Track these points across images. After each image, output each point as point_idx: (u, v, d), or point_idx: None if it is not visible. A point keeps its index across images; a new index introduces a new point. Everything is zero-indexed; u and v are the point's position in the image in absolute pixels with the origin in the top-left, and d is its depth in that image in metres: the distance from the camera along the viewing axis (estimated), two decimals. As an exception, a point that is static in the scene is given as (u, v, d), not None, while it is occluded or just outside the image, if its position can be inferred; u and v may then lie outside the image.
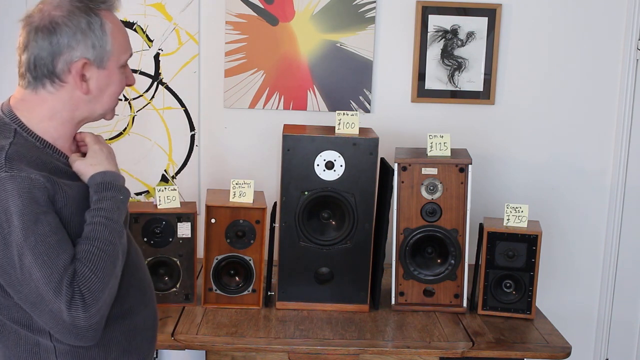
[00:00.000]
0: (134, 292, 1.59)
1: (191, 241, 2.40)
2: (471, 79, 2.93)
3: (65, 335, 1.38)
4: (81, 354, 1.49)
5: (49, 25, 1.44)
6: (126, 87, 1.62)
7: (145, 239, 2.37)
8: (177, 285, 2.42)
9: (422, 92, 2.93)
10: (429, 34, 2.89)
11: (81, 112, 1.52)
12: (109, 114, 1.58)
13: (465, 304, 2.47)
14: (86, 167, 1.51)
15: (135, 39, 2.83)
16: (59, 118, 1.50)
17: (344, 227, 2.41)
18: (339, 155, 2.37)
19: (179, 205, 2.42)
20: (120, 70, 1.53)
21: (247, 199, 2.40)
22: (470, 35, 2.89)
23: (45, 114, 1.49)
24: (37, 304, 1.36)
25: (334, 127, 2.45)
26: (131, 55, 1.58)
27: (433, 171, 2.42)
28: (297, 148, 2.37)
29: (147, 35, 2.85)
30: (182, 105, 2.91)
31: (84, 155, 1.56)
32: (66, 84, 1.47)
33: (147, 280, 1.68)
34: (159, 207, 2.40)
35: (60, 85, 1.47)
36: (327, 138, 2.37)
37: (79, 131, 1.59)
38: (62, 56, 1.45)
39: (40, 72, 1.47)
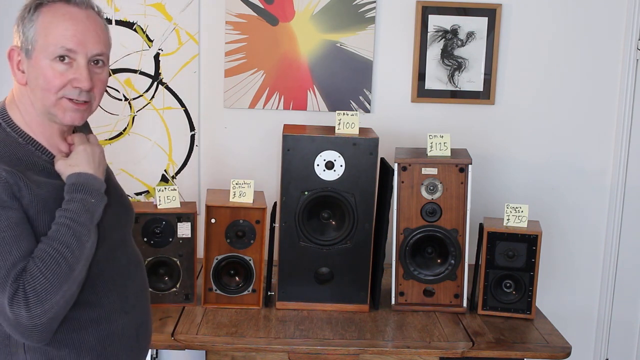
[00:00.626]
0: (113, 298, 1.54)
1: (191, 241, 2.40)
2: (471, 79, 2.93)
3: (12, 331, 1.37)
4: (51, 354, 1.46)
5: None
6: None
7: (145, 239, 2.37)
8: (177, 285, 2.42)
9: (422, 92, 2.93)
10: (429, 34, 2.89)
11: (37, 107, 1.48)
12: (57, 114, 1.48)
13: (465, 304, 2.47)
14: (65, 167, 1.47)
15: (135, 39, 2.83)
16: (28, 112, 1.49)
17: (344, 227, 2.41)
18: (339, 155, 2.37)
19: (179, 205, 2.42)
20: (50, 63, 1.44)
21: (247, 199, 2.40)
22: (470, 35, 2.89)
23: (19, 107, 1.50)
24: None
25: (334, 127, 2.45)
26: (68, 50, 1.45)
27: (433, 171, 2.42)
28: (297, 148, 2.37)
29: (147, 35, 2.85)
30: (182, 105, 2.91)
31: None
32: (13, 74, 1.48)
33: (133, 287, 1.62)
34: (159, 207, 2.40)
35: (14, 77, 1.49)
36: (327, 138, 2.37)
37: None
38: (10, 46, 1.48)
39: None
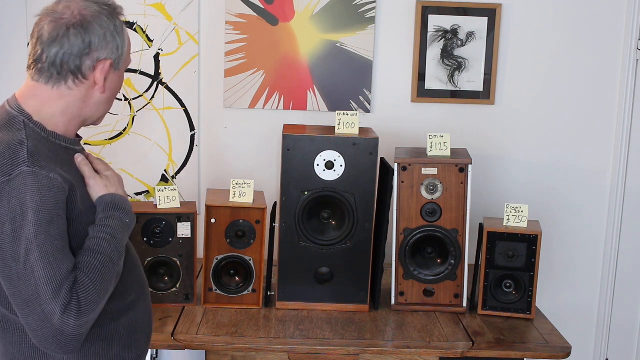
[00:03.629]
0: (136, 287, 1.63)
1: (191, 241, 2.40)
2: (471, 79, 2.93)
3: (47, 340, 1.36)
4: (85, 349, 1.51)
5: (82, 24, 1.47)
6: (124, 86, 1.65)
7: (145, 239, 2.37)
8: (177, 285, 2.42)
9: (422, 92, 2.93)
10: (429, 34, 2.89)
11: (88, 111, 1.55)
12: (102, 118, 1.62)
13: (465, 304, 2.47)
14: (99, 187, 1.53)
15: (135, 39, 2.83)
16: (69, 114, 1.52)
17: (344, 227, 2.41)
18: (339, 155, 2.37)
19: (179, 205, 2.42)
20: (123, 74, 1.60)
21: (247, 199, 2.40)
22: (470, 35, 2.89)
23: (59, 109, 1.51)
24: (30, 302, 1.35)
25: (334, 127, 2.45)
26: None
27: (433, 171, 2.42)
28: (297, 148, 2.37)
29: (147, 35, 2.85)
30: (182, 105, 2.91)
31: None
32: (87, 81, 1.50)
33: (144, 277, 1.72)
34: (159, 207, 2.40)
35: (81, 83, 1.50)
36: (327, 138, 2.37)
37: (88, 154, 1.62)
38: (90, 55, 1.48)
39: (66, 67, 1.47)
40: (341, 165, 2.37)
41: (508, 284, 2.41)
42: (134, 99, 2.89)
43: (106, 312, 1.52)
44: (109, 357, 1.55)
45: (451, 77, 2.92)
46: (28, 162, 1.37)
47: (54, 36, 1.45)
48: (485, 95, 2.94)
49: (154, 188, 2.73)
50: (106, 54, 1.50)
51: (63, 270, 1.36)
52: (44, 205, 1.36)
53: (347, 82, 2.91)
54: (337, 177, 2.38)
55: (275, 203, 2.46)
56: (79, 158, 1.55)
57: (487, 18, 2.88)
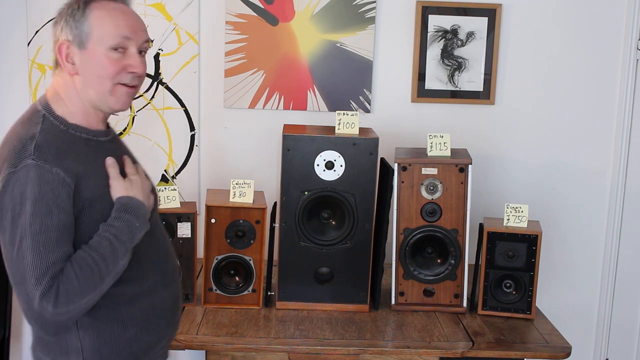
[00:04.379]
0: (154, 274, 1.68)
1: (191, 241, 2.40)
2: (471, 79, 2.93)
3: (30, 321, 1.47)
4: (100, 329, 1.58)
5: (55, 19, 1.60)
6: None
7: (145, 239, 2.37)
8: (177, 285, 2.41)
9: (422, 92, 2.94)
10: (429, 34, 2.89)
11: (83, 96, 1.59)
12: (111, 101, 1.60)
13: (465, 304, 2.47)
14: (120, 189, 1.59)
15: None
16: (74, 103, 1.59)
17: (344, 227, 2.41)
18: (339, 155, 2.37)
19: (179, 205, 2.42)
20: (107, 52, 1.56)
21: (247, 199, 2.40)
22: (470, 35, 2.89)
23: (66, 99, 1.59)
24: (19, 284, 1.45)
25: (334, 127, 2.45)
26: (126, 38, 1.58)
27: (433, 171, 2.42)
28: (297, 148, 2.37)
29: (147, 35, 2.85)
30: (182, 105, 2.91)
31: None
32: (62, 66, 1.58)
33: (170, 264, 1.76)
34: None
35: (61, 70, 1.59)
36: (327, 138, 2.37)
37: (126, 157, 1.69)
38: (56, 42, 1.58)
39: (54, 59, 1.61)
40: (341, 165, 2.37)
41: (508, 284, 2.41)
42: (134, 98, 2.88)
43: (120, 295, 1.59)
44: (125, 339, 1.62)
45: (451, 77, 2.92)
46: (33, 155, 1.45)
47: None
48: (485, 95, 2.94)
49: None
50: (64, 36, 1.56)
51: (50, 259, 1.43)
52: (42, 197, 1.43)
53: (347, 82, 2.91)
54: (337, 177, 2.38)
55: (275, 203, 2.46)
56: (109, 160, 1.61)
57: (487, 18, 2.88)
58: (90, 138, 1.59)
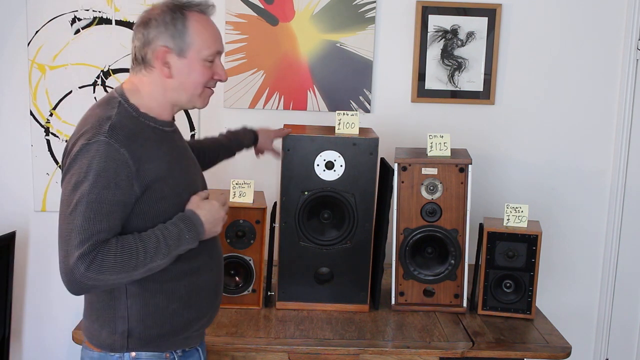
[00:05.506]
0: (203, 256, 1.79)
1: (191, 241, 2.40)
2: (471, 79, 2.93)
3: (62, 274, 1.59)
4: (147, 299, 1.71)
5: (144, 21, 1.74)
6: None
7: (145, 239, 2.37)
8: (177, 285, 2.41)
9: (422, 92, 2.94)
10: (429, 34, 2.89)
11: (171, 96, 1.75)
12: (198, 101, 1.79)
13: (465, 304, 2.47)
14: (193, 203, 1.75)
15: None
16: (155, 99, 1.75)
17: (344, 227, 2.41)
18: (339, 155, 2.37)
19: (179, 205, 2.42)
20: (203, 62, 1.74)
21: (247, 199, 2.40)
22: (470, 35, 2.89)
23: (146, 94, 1.74)
24: (64, 240, 1.59)
25: (334, 127, 2.45)
26: (219, 53, 1.77)
27: (433, 171, 2.42)
28: (297, 148, 2.37)
29: (147, 35, 2.85)
30: (182, 105, 2.91)
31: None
32: (154, 68, 1.73)
33: (217, 250, 1.88)
34: (159, 207, 2.39)
35: (150, 70, 1.73)
36: (327, 138, 2.37)
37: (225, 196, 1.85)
38: (150, 45, 1.71)
39: (138, 59, 1.74)
40: (341, 165, 2.37)
41: (508, 284, 2.41)
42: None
43: (170, 270, 1.71)
44: (168, 312, 1.74)
45: (451, 77, 2.92)
46: (107, 133, 1.61)
47: (133, 35, 1.77)
48: (485, 95, 2.94)
49: (154, 188, 2.73)
50: (162, 42, 1.70)
51: (97, 228, 1.57)
52: (105, 172, 1.59)
53: (347, 82, 2.91)
54: (337, 177, 2.38)
55: (275, 203, 2.46)
56: (203, 194, 1.79)
57: (487, 18, 2.89)
58: (157, 127, 1.74)
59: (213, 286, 1.85)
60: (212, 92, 1.83)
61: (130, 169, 1.62)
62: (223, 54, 1.84)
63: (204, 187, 1.91)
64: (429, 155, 2.45)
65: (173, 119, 1.83)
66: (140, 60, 1.74)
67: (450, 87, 2.93)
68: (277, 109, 2.93)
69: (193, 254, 1.75)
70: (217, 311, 1.92)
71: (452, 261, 2.45)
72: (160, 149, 1.71)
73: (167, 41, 1.71)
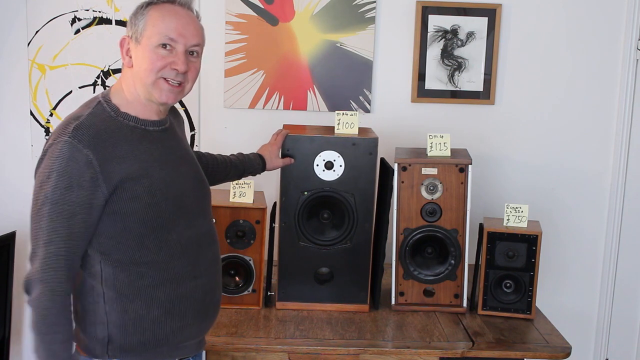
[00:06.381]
0: (185, 262, 1.74)
1: (191, 241, 2.40)
2: (471, 79, 2.93)
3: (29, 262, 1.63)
4: (125, 304, 1.68)
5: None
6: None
7: (145, 239, 2.37)
8: (177, 285, 2.41)
9: (422, 92, 2.94)
10: (429, 34, 2.89)
11: (137, 87, 1.72)
12: (154, 93, 1.71)
13: (465, 304, 2.47)
14: None
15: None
16: (132, 94, 1.73)
17: (344, 227, 2.41)
18: (339, 155, 2.37)
19: (179, 205, 2.42)
20: (154, 49, 1.69)
21: (247, 199, 2.40)
22: (470, 35, 2.89)
23: (126, 92, 1.73)
24: (32, 235, 1.62)
25: (334, 127, 2.45)
26: (172, 40, 1.69)
27: (433, 171, 2.42)
28: (297, 148, 2.37)
29: (147, 35, 2.85)
30: (182, 105, 2.91)
31: None
32: (122, 59, 1.74)
33: (205, 256, 1.80)
34: (159, 207, 2.39)
35: (125, 63, 1.75)
36: (326, 138, 2.37)
37: None
38: (123, 39, 1.74)
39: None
40: (341, 166, 2.37)
41: (508, 284, 2.41)
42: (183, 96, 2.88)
43: (145, 276, 1.68)
44: (149, 319, 1.70)
45: (451, 77, 2.92)
46: (70, 134, 1.60)
47: None
48: (485, 95, 2.94)
49: (154, 188, 2.73)
50: (126, 32, 1.74)
51: (60, 235, 1.59)
52: (67, 173, 1.58)
53: (347, 82, 2.91)
54: (336, 177, 2.38)
55: (275, 203, 2.46)
56: None
57: (487, 18, 2.88)
58: (137, 126, 1.70)
59: (200, 295, 1.78)
60: (176, 87, 1.73)
61: (95, 169, 1.60)
62: (201, 47, 1.78)
63: (200, 190, 1.85)
64: (429, 155, 2.45)
65: (166, 118, 1.79)
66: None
67: (450, 87, 2.93)
68: (277, 109, 2.93)
69: (170, 261, 1.71)
70: (210, 321, 1.86)
71: (452, 261, 2.45)
72: (138, 148, 1.68)
73: (128, 30, 1.73)
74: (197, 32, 1.76)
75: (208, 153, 2.28)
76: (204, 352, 1.94)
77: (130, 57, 1.72)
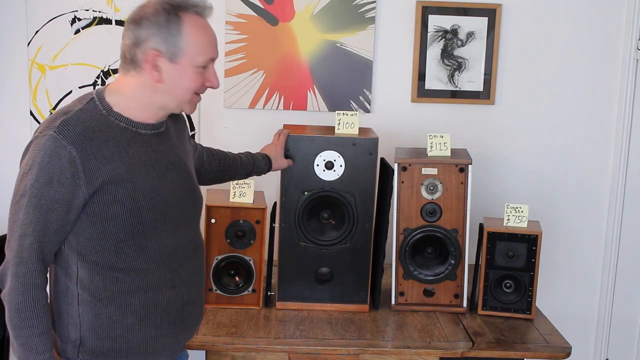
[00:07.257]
0: (164, 271, 1.70)
1: (191, 241, 2.40)
2: (471, 79, 2.93)
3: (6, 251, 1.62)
4: (99, 308, 1.65)
5: (136, 19, 1.63)
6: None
7: (145, 239, 2.37)
8: (177, 285, 2.41)
9: (422, 92, 2.94)
10: (429, 34, 2.89)
11: (158, 99, 1.68)
12: (187, 107, 1.73)
13: (465, 304, 2.47)
14: None
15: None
16: (140, 100, 1.67)
17: (344, 227, 2.41)
18: (339, 155, 2.37)
19: (179, 205, 2.42)
20: (195, 69, 1.66)
21: (247, 199, 2.40)
22: (470, 35, 2.89)
23: (129, 95, 1.67)
24: (10, 226, 1.61)
25: (334, 127, 2.45)
26: (212, 59, 1.70)
27: (433, 171, 2.42)
28: (297, 148, 2.37)
29: (147, 35, 2.85)
30: (182, 105, 2.91)
31: None
32: (144, 70, 1.64)
33: (187, 266, 1.76)
34: (159, 207, 2.39)
35: (140, 71, 1.65)
36: (326, 138, 2.37)
37: None
38: (140, 46, 1.63)
39: (127, 58, 1.66)
40: (341, 166, 2.37)
41: (508, 284, 2.41)
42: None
43: (121, 282, 1.65)
44: (122, 325, 1.67)
45: (451, 77, 2.92)
46: (57, 129, 1.56)
47: (123, 32, 1.67)
48: (485, 95, 2.94)
49: (154, 188, 2.73)
50: (154, 45, 1.62)
51: (35, 230, 1.57)
52: (47, 168, 1.55)
53: (347, 82, 2.91)
54: (337, 177, 2.38)
55: (275, 203, 2.46)
56: None
57: (487, 18, 2.88)
58: (128, 128, 1.65)
59: (178, 305, 1.74)
60: (200, 98, 1.76)
61: (77, 167, 1.56)
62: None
63: (188, 199, 1.79)
64: (429, 155, 2.45)
65: (163, 122, 1.74)
66: (130, 61, 1.65)
67: (450, 87, 2.93)
68: (277, 109, 2.92)
69: (148, 269, 1.67)
70: (188, 333, 1.82)
71: (452, 261, 2.45)
72: (126, 151, 1.63)
73: (159, 44, 1.61)
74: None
75: (220, 150, 2.27)
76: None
77: (159, 72, 1.64)
